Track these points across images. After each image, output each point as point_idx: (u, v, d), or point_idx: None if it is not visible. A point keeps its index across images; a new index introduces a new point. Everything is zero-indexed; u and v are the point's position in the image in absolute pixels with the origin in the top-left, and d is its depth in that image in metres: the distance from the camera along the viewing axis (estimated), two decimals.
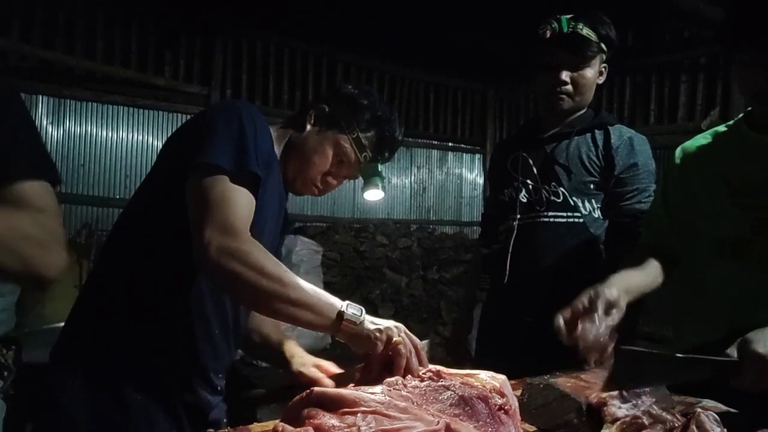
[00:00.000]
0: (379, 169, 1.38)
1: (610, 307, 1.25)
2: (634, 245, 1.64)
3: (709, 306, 1.42)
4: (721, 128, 1.51)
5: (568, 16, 1.72)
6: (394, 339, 1.07)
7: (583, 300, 1.27)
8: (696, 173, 1.48)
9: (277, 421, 0.88)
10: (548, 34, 1.70)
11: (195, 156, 1.12)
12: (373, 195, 1.47)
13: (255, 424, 1.00)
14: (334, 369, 1.33)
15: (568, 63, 1.73)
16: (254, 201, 1.12)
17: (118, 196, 5.11)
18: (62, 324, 1.27)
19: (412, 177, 7.05)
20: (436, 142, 6.99)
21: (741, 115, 1.45)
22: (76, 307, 1.27)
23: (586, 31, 1.70)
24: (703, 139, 1.53)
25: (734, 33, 1.28)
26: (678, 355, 1.08)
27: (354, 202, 6.72)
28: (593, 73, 1.77)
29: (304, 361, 1.37)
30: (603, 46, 1.75)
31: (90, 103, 5.07)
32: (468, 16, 5.03)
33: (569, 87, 1.75)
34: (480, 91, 6.98)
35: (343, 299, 1.12)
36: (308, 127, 1.33)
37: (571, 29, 1.70)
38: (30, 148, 0.97)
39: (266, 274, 1.04)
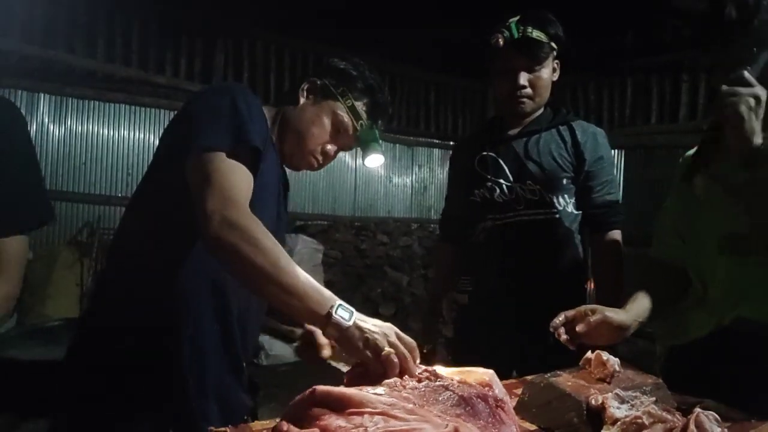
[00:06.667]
0: (377, 135, 1.42)
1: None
2: (606, 234, 1.79)
3: (707, 301, 1.42)
4: None
5: (516, 20, 1.75)
6: (383, 352, 1.00)
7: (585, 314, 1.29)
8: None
9: (278, 419, 0.87)
10: (501, 42, 1.74)
11: (192, 137, 1.13)
12: (375, 160, 1.52)
13: (256, 422, 0.99)
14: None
15: (524, 66, 1.76)
16: (252, 178, 1.13)
17: (119, 194, 5.11)
18: (61, 322, 1.27)
19: (413, 176, 7.05)
20: (437, 141, 7.00)
21: None
22: (87, 306, 1.27)
23: (536, 34, 1.73)
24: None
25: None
26: None
27: (354, 200, 6.72)
28: (548, 73, 1.81)
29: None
30: (553, 45, 1.78)
31: (91, 102, 5.08)
32: (469, 15, 5.03)
33: (529, 90, 1.79)
34: (480, 90, 6.98)
35: (345, 298, 1.09)
36: (302, 100, 1.36)
37: (521, 34, 1.73)
38: (13, 199, 1.13)
39: (262, 250, 1.04)
